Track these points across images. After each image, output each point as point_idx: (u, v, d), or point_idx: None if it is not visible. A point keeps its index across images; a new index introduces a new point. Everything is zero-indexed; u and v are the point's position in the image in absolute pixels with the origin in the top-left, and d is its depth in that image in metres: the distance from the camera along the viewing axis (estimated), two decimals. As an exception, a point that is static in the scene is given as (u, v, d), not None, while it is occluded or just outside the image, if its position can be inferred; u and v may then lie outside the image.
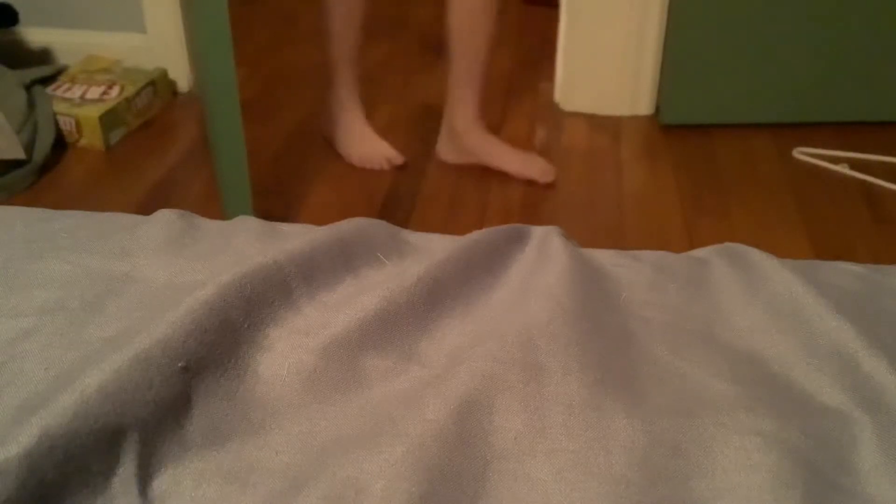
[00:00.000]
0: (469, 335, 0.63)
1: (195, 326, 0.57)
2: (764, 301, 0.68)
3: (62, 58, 2.35)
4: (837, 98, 2.17)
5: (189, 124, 2.24)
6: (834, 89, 2.15)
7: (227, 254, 0.71)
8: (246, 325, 0.60)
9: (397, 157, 2.00)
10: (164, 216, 0.76)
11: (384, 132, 2.06)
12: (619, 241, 1.77)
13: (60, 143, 2.08)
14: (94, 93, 2.15)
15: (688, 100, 2.16)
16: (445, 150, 2.03)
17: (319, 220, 0.80)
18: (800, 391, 0.60)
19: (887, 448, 0.54)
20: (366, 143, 2.03)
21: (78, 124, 2.09)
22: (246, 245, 0.72)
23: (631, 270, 0.72)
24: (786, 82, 2.14)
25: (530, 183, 1.98)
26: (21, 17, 2.29)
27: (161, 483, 0.51)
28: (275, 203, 1.89)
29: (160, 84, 2.28)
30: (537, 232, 0.75)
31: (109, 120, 2.10)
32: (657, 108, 2.23)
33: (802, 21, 2.07)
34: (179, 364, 0.55)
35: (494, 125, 2.17)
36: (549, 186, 1.97)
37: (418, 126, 2.15)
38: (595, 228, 1.83)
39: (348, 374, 0.59)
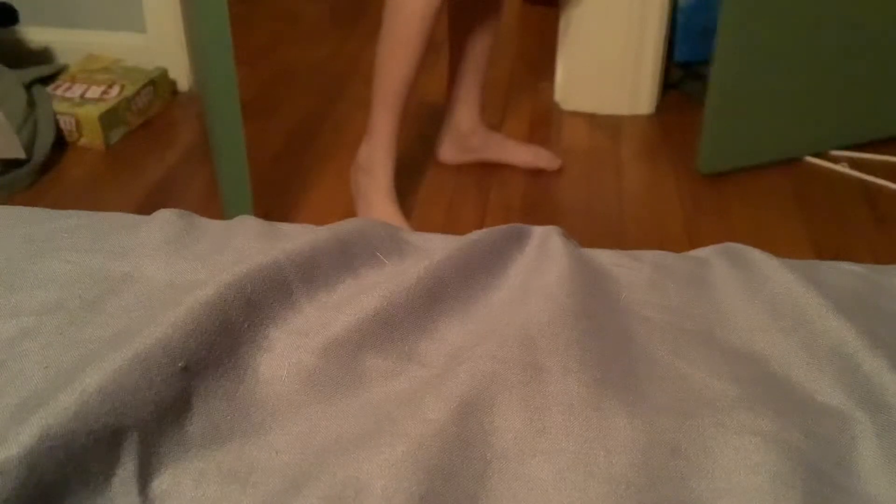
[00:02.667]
0: (469, 335, 0.63)
1: (195, 326, 0.57)
2: (764, 301, 0.68)
3: (62, 57, 2.35)
4: (872, 121, 2.11)
5: (189, 124, 2.24)
6: (874, 112, 2.11)
7: (227, 254, 0.71)
8: (246, 326, 0.60)
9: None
10: (164, 216, 0.76)
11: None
12: (619, 241, 1.78)
13: (60, 143, 2.08)
14: (94, 92, 2.15)
15: (727, 149, 2.04)
16: (448, 152, 2.03)
17: (319, 220, 0.80)
18: (800, 391, 0.60)
19: (887, 448, 0.54)
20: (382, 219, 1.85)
21: (78, 123, 2.09)
22: (246, 245, 0.72)
23: (631, 270, 0.72)
24: (820, 114, 2.06)
25: (530, 182, 1.98)
26: (21, 16, 2.28)
27: (161, 483, 0.51)
28: (275, 203, 1.89)
29: (160, 83, 2.28)
30: (537, 232, 0.75)
31: (109, 119, 2.10)
32: (696, 159, 2.07)
33: (837, 55, 2.00)
34: (179, 364, 0.55)
35: (494, 125, 2.17)
36: (551, 184, 1.97)
37: (418, 125, 2.15)
38: (595, 228, 1.83)
39: (348, 374, 0.59)
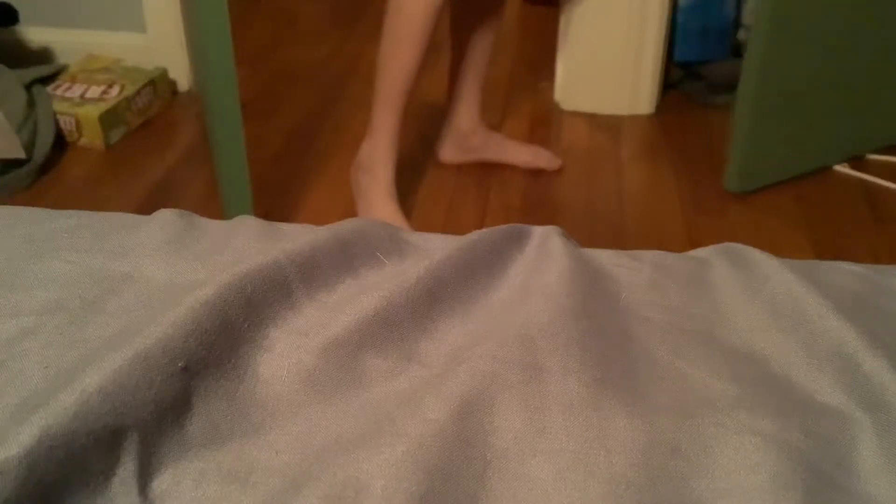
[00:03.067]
0: (469, 335, 0.63)
1: (195, 326, 0.57)
2: (764, 301, 0.68)
3: (62, 57, 2.35)
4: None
5: (189, 124, 2.24)
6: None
7: (227, 254, 0.71)
8: (246, 325, 0.60)
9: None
10: (164, 216, 0.76)
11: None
12: (619, 241, 1.78)
13: (60, 143, 2.08)
14: (94, 92, 2.15)
15: (760, 166, 1.97)
16: (448, 152, 2.03)
17: (319, 220, 0.80)
18: (800, 391, 0.60)
19: (887, 448, 0.54)
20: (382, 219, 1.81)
21: (78, 123, 2.09)
22: (246, 245, 0.72)
23: (631, 270, 0.72)
24: (845, 123, 2.02)
25: (530, 182, 1.98)
26: (21, 16, 2.28)
27: (161, 483, 0.51)
28: (275, 203, 1.89)
29: (160, 83, 2.28)
30: (537, 232, 0.75)
31: (109, 119, 2.10)
32: (725, 177, 1.98)
33: (870, 60, 1.94)
34: (180, 364, 0.55)
35: (494, 125, 2.17)
36: (551, 184, 1.97)
37: (418, 125, 2.15)
38: (595, 228, 1.83)
39: (348, 374, 0.59)
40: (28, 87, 2.11)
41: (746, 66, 1.85)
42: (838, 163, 2.04)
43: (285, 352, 0.60)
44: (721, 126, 2.22)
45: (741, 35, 2.35)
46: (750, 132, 1.90)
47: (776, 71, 1.85)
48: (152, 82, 2.24)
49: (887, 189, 1.95)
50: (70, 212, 0.79)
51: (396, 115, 1.73)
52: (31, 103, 2.06)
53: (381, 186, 1.78)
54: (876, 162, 2.04)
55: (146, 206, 1.86)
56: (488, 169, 2.02)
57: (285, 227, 0.77)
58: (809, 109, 1.93)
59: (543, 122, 2.26)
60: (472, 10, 1.86)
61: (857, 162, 2.04)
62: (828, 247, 1.76)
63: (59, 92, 2.15)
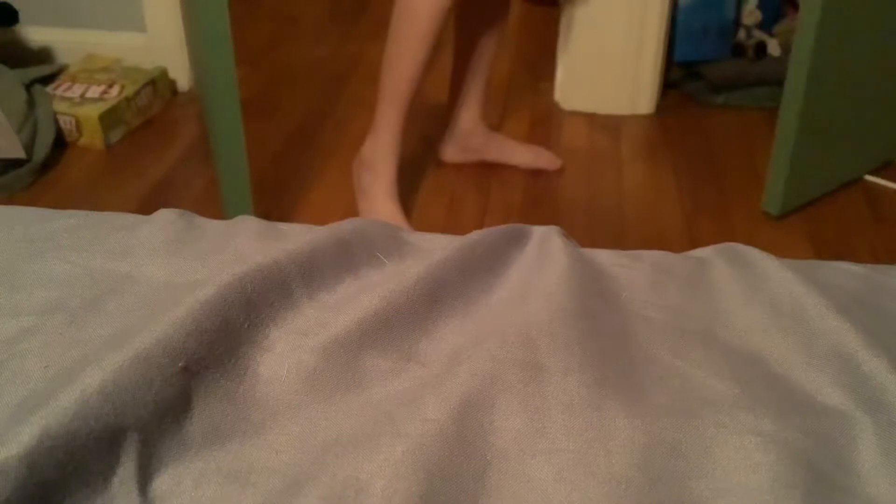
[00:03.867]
0: (469, 335, 0.63)
1: (195, 326, 0.57)
2: (764, 301, 0.68)
3: (62, 57, 2.35)
4: None
5: (189, 123, 2.24)
6: None
7: (227, 254, 0.71)
8: (246, 326, 0.60)
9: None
10: (165, 216, 0.76)
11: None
12: (619, 241, 1.77)
13: (60, 143, 2.08)
14: (94, 92, 2.15)
15: (799, 186, 1.87)
16: (449, 152, 2.03)
17: (319, 220, 0.80)
18: (800, 391, 0.60)
19: (887, 448, 0.54)
20: (382, 217, 1.74)
21: (78, 123, 2.09)
22: (246, 245, 0.72)
23: (631, 270, 0.72)
24: (875, 133, 1.97)
25: (530, 182, 1.98)
26: (21, 16, 2.28)
27: (161, 483, 0.51)
28: (275, 203, 1.89)
29: (160, 83, 2.28)
30: (537, 232, 0.75)
31: (109, 119, 2.10)
32: (764, 198, 1.88)
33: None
34: (180, 364, 0.55)
35: (494, 125, 2.17)
36: (551, 184, 1.97)
37: (418, 124, 2.15)
38: (595, 228, 1.83)
39: (348, 374, 0.59)
40: (28, 87, 2.11)
41: (791, 81, 1.76)
42: (868, 172, 1.98)
43: (285, 352, 0.60)
44: (721, 126, 2.22)
45: (741, 35, 2.35)
46: (795, 149, 1.80)
47: (819, 91, 1.76)
48: (152, 82, 2.24)
49: (887, 189, 1.95)
50: (70, 212, 0.79)
51: (401, 115, 1.74)
52: (31, 103, 2.06)
53: (383, 185, 1.78)
54: (876, 162, 2.05)
55: (146, 206, 1.86)
56: (489, 169, 2.02)
57: (285, 227, 0.77)
58: (851, 122, 1.87)
59: (543, 122, 2.26)
60: (477, 11, 1.86)
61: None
62: (828, 247, 1.76)
63: (59, 92, 2.15)
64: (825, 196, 1.92)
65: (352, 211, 1.84)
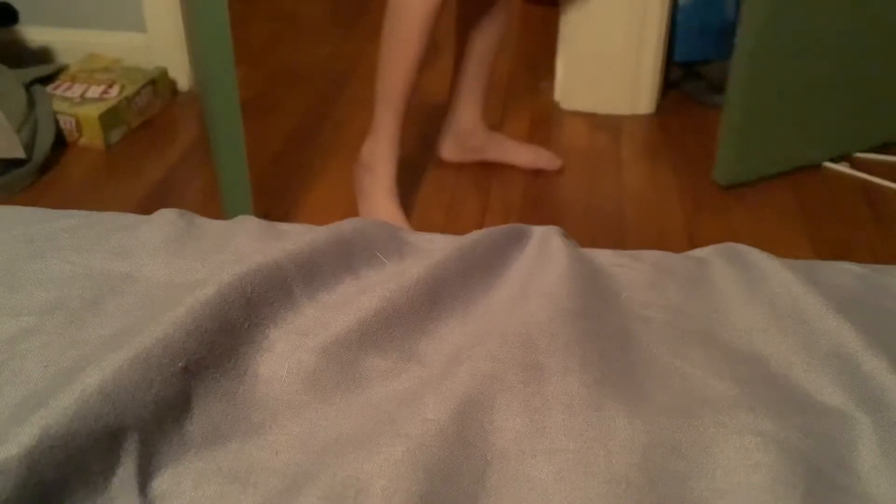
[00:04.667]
0: (469, 335, 0.63)
1: (195, 326, 0.57)
2: (764, 301, 0.68)
3: (62, 57, 2.35)
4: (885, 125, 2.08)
5: (189, 123, 2.24)
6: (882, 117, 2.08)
7: (227, 254, 0.71)
8: (246, 326, 0.60)
9: None
10: (165, 216, 0.76)
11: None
12: (619, 241, 1.78)
13: (60, 143, 2.08)
14: (94, 92, 2.15)
15: (748, 159, 1.98)
16: (449, 151, 2.03)
17: (319, 220, 0.80)
18: (800, 391, 0.60)
19: (887, 448, 0.54)
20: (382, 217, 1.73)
21: (78, 123, 2.09)
22: (246, 245, 0.72)
23: (631, 270, 0.72)
24: (835, 120, 2.03)
25: (530, 182, 1.98)
26: (21, 16, 2.29)
27: (161, 483, 0.51)
28: (275, 203, 1.89)
29: (160, 83, 2.28)
30: (537, 232, 0.75)
31: (109, 119, 2.10)
32: (714, 169, 2.00)
33: (861, 56, 1.96)
34: (180, 364, 0.55)
35: (494, 124, 2.17)
36: (551, 184, 1.97)
37: (418, 124, 2.15)
38: (595, 228, 1.83)
39: (348, 375, 0.59)
40: (28, 86, 2.11)
41: (736, 60, 1.87)
42: (828, 160, 2.04)
43: (285, 352, 0.60)
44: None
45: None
46: (738, 125, 1.93)
47: (765, 66, 1.87)
48: (152, 82, 2.24)
49: (887, 189, 1.95)
50: (70, 212, 0.79)
51: (398, 115, 1.75)
52: (31, 103, 2.06)
53: (383, 185, 1.79)
54: (876, 162, 2.04)
55: (146, 206, 1.86)
56: (488, 169, 2.02)
57: (285, 227, 0.77)
58: (798, 105, 1.96)
59: (543, 122, 2.26)
60: (478, 10, 1.86)
61: (857, 161, 2.04)
62: (828, 247, 1.76)
63: (59, 92, 2.15)
64: (781, 176, 2.00)
65: (352, 211, 1.84)
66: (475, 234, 0.72)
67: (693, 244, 1.60)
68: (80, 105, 2.10)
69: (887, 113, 2.08)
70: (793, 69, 1.90)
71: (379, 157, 1.78)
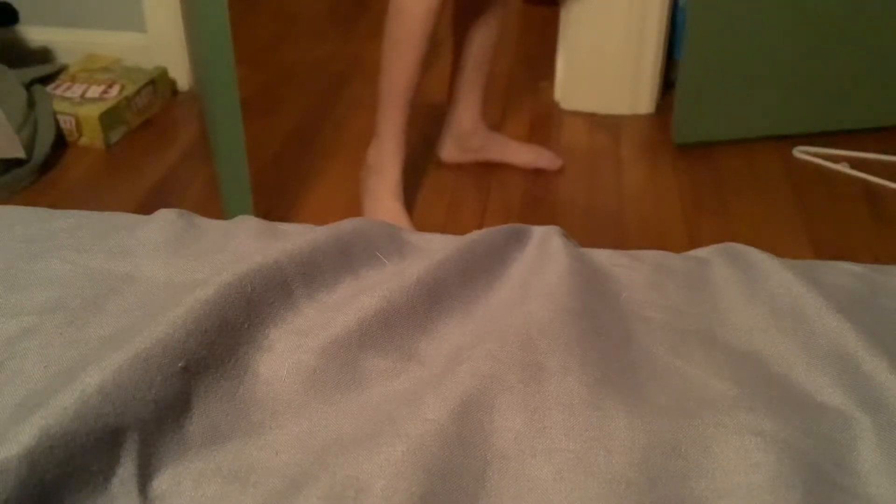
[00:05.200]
0: (469, 335, 0.63)
1: (195, 326, 0.57)
2: (764, 301, 0.68)
3: (62, 57, 2.34)
4: (849, 105, 2.15)
5: (189, 123, 2.24)
6: (844, 97, 2.14)
7: (227, 253, 0.71)
8: (246, 326, 0.60)
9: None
10: (164, 216, 0.76)
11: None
12: (619, 241, 1.77)
13: (60, 142, 2.08)
14: (94, 92, 2.15)
15: (702, 120, 2.11)
16: (449, 152, 2.03)
17: (319, 220, 0.80)
18: (800, 391, 0.60)
19: (887, 448, 0.54)
20: (386, 216, 1.76)
21: (78, 123, 2.09)
22: (246, 245, 0.72)
23: (631, 270, 0.72)
24: (794, 95, 2.11)
25: (530, 182, 1.98)
26: (21, 15, 2.28)
27: (161, 483, 0.51)
28: (275, 203, 1.89)
29: (160, 83, 2.27)
30: (537, 232, 0.75)
31: (109, 119, 2.10)
32: (671, 129, 2.15)
33: (811, 34, 2.05)
34: (180, 364, 0.55)
35: (495, 124, 2.17)
36: (551, 184, 1.98)
37: (418, 124, 2.15)
38: (595, 228, 1.83)
39: (348, 374, 0.59)
40: (28, 86, 2.11)
41: (689, 28, 2.01)
42: (789, 135, 2.12)
43: (285, 352, 0.60)
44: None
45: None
46: (690, 89, 2.06)
47: (716, 32, 2.02)
48: (152, 82, 2.24)
49: (887, 188, 1.95)
50: (70, 212, 0.79)
51: (401, 117, 1.76)
52: (31, 103, 2.06)
53: (389, 185, 1.80)
54: (876, 161, 2.04)
55: (146, 206, 1.86)
56: (488, 169, 2.02)
57: (285, 227, 0.77)
58: (749, 74, 2.07)
59: (543, 122, 2.26)
60: (474, 10, 1.86)
61: (857, 161, 2.04)
62: (828, 247, 1.76)
63: (59, 91, 2.15)
64: (737, 143, 2.13)
65: (352, 211, 1.84)
66: (475, 234, 0.72)
67: (693, 244, 1.60)
68: (80, 105, 2.10)
69: (842, 95, 2.14)
70: (741, 32, 2.02)
71: (385, 158, 1.79)
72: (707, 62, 2.04)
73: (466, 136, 2.00)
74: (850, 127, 2.15)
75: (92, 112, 2.07)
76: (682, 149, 2.11)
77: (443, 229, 1.70)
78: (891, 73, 2.12)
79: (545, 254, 0.71)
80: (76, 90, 2.16)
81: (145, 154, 2.09)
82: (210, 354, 0.57)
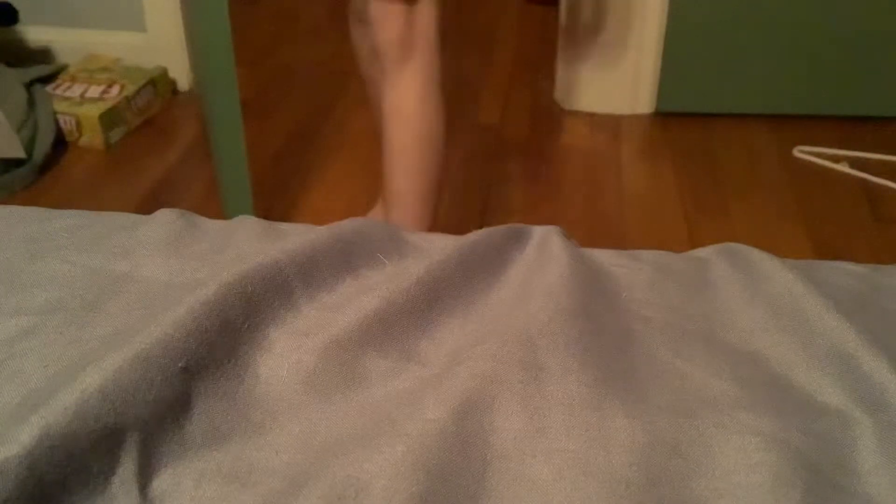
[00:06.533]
0: (469, 335, 0.63)
1: (196, 326, 0.57)
2: (764, 301, 0.68)
3: (62, 56, 2.34)
4: (836, 92, 2.18)
5: (189, 123, 2.24)
6: (833, 83, 2.17)
7: (227, 253, 0.71)
8: (246, 326, 0.60)
9: None
10: (165, 216, 0.76)
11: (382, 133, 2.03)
12: (619, 240, 1.77)
13: (60, 142, 2.08)
14: (94, 91, 2.15)
15: (687, 88, 2.19)
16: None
17: (319, 220, 0.80)
18: (800, 391, 0.60)
19: (887, 448, 0.54)
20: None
21: (78, 123, 2.09)
22: (246, 245, 0.72)
23: (631, 270, 0.72)
24: (784, 73, 2.16)
25: (530, 182, 1.98)
26: (21, 15, 2.28)
27: (161, 483, 0.51)
28: (275, 203, 1.89)
29: (160, 83, 2.27)
30: (537, 232, 0.75)
31: (109, 119, 2.10)
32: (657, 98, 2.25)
33: (802, 12, 2.09)
34: (180, 364, 0.55)
35: (495, 124, 2.17)
36: (551, 184, 1.97)
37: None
38: (595, 228, 1.83)
39: (348, 375, 0.59)
40: (28, 86, 2.11)
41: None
42: (759, 112, 2.20)
43: (285, 352, 0.60)
44: (722, 125, 2.22)
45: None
46: (666, 59, 2.17)
47: (699, 10, 2.11)
48: (152, 82, 2.24)
49: (887, 188, 1.95)
50: (70, 212, 0.79)
51: (431, 218, 1.42)
52: (31, 103, 2.06)
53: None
54: (876, 161, 2.04)
55: (146, 206, 1.86)
56: (488, 168, 2.02)
57: (285, 227, 0.77)
58: (725, 48, 2.14)
59: (543, 122, 2.26)
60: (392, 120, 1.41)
61: (857, 161, 2.04)
62: (828, 247, 1.76)
63: (59, 91, 2.15)
64: (709, 117, 2.22)
65: (352, 211, 1.84)
66: (475, 234, 0.72)
67: (693, 244, 1.60)
68: (80, 105, 2.10)
69: (847, 85, 2.17)
70: (718, 8, 2.10)
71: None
72: (695, 26, 2.12)
73: None
74: (847, 113, 2.18)
75: (92, 112, 2.07)
76: (664, 117, 2.17)
77: (442, 229, 1.70)
78: (887, 62, 2.12)
79: (545, 254, 0.71)
80: (76, 90, 2.16)
81: (145, 154, 2.09)
82: (210, 354, 0.57)
